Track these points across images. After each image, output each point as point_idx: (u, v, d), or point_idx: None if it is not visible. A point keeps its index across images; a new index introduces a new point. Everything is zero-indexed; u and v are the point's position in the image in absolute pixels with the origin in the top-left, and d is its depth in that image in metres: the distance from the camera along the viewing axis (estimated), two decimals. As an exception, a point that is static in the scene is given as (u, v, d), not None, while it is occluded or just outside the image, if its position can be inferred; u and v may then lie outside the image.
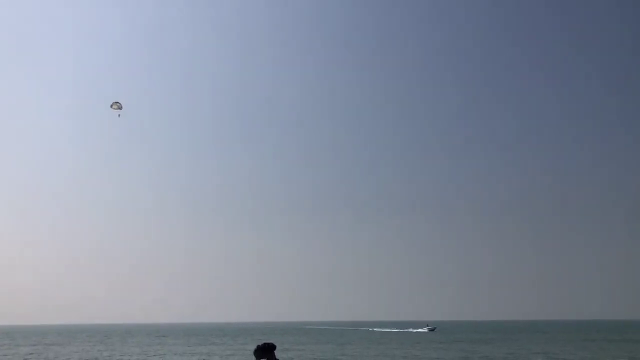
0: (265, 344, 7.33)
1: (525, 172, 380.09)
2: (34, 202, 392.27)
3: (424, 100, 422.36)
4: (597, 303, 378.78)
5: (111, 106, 36.86)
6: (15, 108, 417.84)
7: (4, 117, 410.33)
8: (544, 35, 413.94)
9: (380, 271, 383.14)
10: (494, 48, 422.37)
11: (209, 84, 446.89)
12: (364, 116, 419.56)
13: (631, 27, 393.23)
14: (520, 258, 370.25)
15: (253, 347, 7.37)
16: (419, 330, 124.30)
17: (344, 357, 51.01)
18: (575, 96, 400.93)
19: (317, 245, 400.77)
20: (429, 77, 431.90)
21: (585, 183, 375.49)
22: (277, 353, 7.23)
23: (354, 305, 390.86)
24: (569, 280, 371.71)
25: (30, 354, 61.48)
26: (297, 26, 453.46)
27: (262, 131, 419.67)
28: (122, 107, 37.99)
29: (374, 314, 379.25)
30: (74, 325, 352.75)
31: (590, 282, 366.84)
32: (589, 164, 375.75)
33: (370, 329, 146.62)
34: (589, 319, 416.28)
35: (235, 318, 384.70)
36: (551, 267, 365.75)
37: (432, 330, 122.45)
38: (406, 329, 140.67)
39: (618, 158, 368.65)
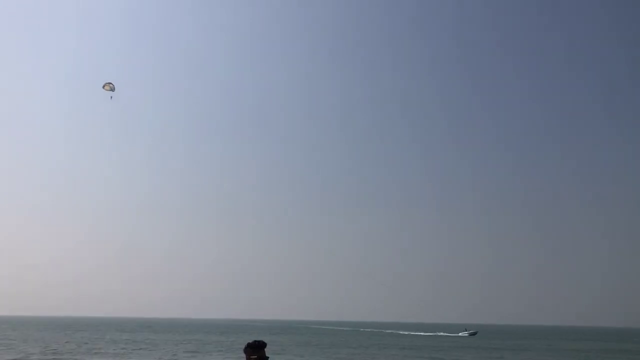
0: (255, 341, 7.07)
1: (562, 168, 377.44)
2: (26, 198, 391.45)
3: (422, 96, 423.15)
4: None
5: (103, 87, 36.45)
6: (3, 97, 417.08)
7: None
8: (543, 32, 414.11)
9: (393, 270, 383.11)
10: (493, 46, 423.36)
11: (210, 79, 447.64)
12: (364, 114, 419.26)
13: (630, 26, 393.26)
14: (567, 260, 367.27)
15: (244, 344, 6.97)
16: (459, 334, 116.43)
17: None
18: (575, 93, 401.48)
19: (325, 242, 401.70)
20: (431, 73, 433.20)
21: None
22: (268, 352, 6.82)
23: (366, 305, 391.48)
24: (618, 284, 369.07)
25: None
26: (298, 24, 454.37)
27: (266, 128, 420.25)
28: (114, 89, 37.62)
29: (387, 315, 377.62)
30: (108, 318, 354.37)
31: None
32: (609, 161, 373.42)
33: (390, 332, 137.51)
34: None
35: (240, 315, 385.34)
36: (596, 270, 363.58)
37: (472, 334, 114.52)
38: (433, 332, 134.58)
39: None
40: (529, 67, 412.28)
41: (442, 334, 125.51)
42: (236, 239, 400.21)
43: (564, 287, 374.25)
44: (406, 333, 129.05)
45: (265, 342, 6.88)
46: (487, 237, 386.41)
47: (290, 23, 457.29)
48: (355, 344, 77.65)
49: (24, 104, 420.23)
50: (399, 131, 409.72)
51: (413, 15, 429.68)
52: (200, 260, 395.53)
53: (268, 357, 6.84)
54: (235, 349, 62.79)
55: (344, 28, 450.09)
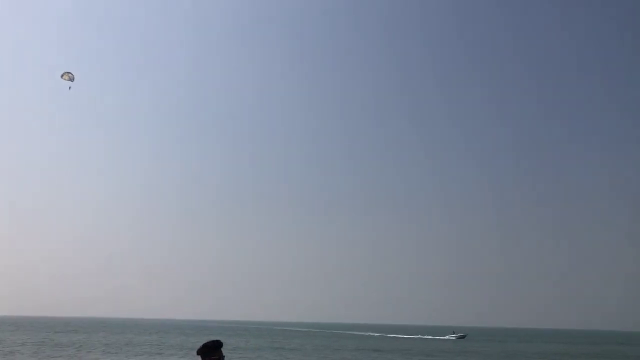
0: (211, 341, 7.15)
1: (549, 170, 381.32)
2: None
3: (415, 98, 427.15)
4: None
5: (62, 76, 35.61)
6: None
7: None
8: (538, 33, 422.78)
9: (377, 272, 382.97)
10: (487, 47, 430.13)
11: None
12: (364, 116, 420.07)
13: (630, 26, 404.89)
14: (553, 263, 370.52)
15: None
16: (446, 337, 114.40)
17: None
18: (570, 95, 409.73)
19: (310, 243, 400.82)
20: (423, 76, 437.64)
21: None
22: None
23: (344, 307, 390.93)
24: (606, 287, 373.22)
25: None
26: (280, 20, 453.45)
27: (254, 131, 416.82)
28: (74, 79, 36.85)
29: (364, 316, 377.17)
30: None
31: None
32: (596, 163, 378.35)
33: (370, 334, 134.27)
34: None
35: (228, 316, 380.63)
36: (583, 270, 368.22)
37: (461, 338, 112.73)
38: (419, 335, 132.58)
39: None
40: (533, 68, 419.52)
41: (427, 337, 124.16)
42: (197, 238, 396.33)
43: (560, 289, 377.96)
44: (388, 335, 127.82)
45: (222, 341, 6.99)
46: (476, 237, 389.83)
47: (272, 18, 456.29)
48: (311, 346, 77.61)
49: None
50: (370, 133, 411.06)
51: (417, 12, 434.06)
52: (156, 260, 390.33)
53: (224, 356, 6.96)
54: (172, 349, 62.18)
55: (338, 26, 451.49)
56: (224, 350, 7.10)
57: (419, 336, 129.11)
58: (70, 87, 36.42)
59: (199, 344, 6.68)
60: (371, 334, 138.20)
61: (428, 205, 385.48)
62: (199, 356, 6.99)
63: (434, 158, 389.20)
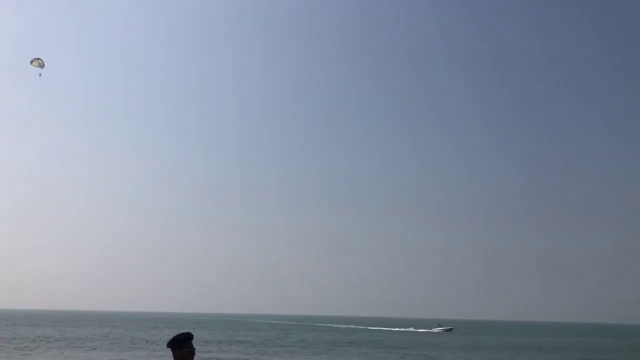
0: (181, 334, 7.10)
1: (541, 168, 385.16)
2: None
3: (415, 100, 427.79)
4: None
5: (31, 62, 34.80)
6: None
7: None
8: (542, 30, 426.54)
9: (363, 266, 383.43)
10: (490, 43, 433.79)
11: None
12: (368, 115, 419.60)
13: (632, 24, 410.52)
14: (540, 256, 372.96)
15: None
16: (433, 330, 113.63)
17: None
18: (569, 95, 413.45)
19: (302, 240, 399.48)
20: (419, 75, 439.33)
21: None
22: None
23: (328, 300, 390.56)
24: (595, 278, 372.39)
25: None
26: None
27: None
28: (44, 65, 36.06)
29: (349, 310, 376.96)
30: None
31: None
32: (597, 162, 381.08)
33: (354, 327, 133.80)
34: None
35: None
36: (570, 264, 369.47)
37: (448, 331, 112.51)
38: (404, 328, 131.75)
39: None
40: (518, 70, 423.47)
41: (410, 329, 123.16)
42: (169, 232, 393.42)
43: (549, 284, 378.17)
44: (371, 328, 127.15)
45: (192, 334, 6.94)
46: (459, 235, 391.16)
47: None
48: (280, 340, 77.43)
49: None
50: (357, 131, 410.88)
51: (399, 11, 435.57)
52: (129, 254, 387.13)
53: (195, 349, 6.93)
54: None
55: (324, 21, 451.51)
56: (194, 342, 7.04)
57: (403, 329, 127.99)
58: (40, 74, 35.64)
59: (170, 337, 6.59)
60: (340, 326, 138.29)
61: (415, 202, 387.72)
62: (170, 349, 6.94)
63: (424, 156, 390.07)
